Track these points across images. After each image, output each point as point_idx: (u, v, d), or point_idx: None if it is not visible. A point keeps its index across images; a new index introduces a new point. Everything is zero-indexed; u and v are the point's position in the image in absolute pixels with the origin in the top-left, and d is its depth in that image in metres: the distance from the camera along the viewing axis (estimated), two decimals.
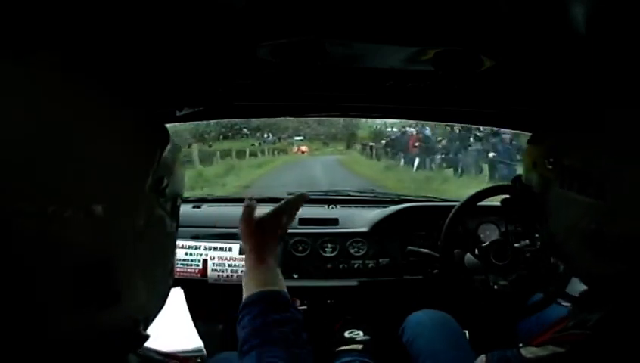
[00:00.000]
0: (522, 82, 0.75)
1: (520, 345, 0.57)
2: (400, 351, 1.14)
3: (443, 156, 8.52)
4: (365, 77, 0.76)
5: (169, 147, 0.41)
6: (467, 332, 1.30)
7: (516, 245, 1.10)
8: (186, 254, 1.30)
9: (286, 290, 0.65)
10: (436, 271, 1.34)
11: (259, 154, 13.16)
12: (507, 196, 0.89)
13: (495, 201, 1.25)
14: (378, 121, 9.86)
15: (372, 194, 1.79)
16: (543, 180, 0.57)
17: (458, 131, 7.93)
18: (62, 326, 0.33)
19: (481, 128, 6.05)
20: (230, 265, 1.29)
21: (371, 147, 12.43)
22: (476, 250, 1.15)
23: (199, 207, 1.55)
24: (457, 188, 6.09)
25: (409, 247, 1.38)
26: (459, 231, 1.21)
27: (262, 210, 0.71)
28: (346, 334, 1.25)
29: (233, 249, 1.30)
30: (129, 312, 0.37)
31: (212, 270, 1.29)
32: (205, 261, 1.29)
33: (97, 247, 0.32)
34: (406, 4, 0.47)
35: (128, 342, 0.38)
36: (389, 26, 0.53)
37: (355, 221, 1.48)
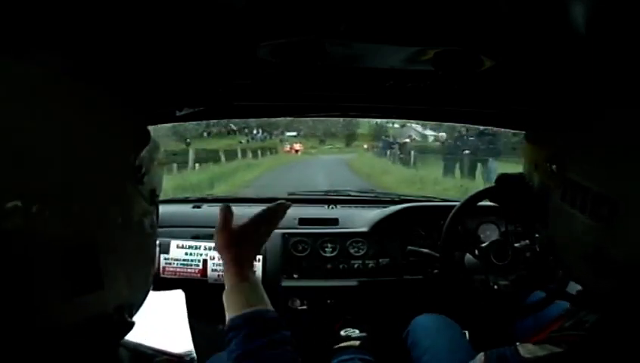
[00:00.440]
0: (522, 82, 0.75)
1: (518, 343, 0.57)
2: (398, 347, 1.14)
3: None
4: (365, 77, 0.76)
5: (149, 145, 0.43)
6: (467, 332, 1.30)
7: (516, 245, 1.10)
8: (186, 254, 1.29)
9: (271, 307, 0.61)
10: (436, 271, 1.35)
11: (239, 156, 10.69)
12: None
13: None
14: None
15: (372, 194, 1.80)
16: (544, 184, 0.57)
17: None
18: (49, 311, 0.34)
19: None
20: None
21: (401, 146, 10.48)
22: (476, 250, 1.15)
23: (199, 207, 1.55)
24: None
25: (409, 247, 1.38)
26: (459, 231, 1.21)
27: (242, 214, 0.68)
28: (342, 333, 1.25)
29: None
30: (112, 299, 0.38)
31: (212, 270, 1.29)
32: (205, 261, 1.29)
33: (79, 236, 0.34)
34: (406, 4, 0.47)
35: (114, 328, 0.39)
36: (389, 26, 0.53)
37: (355, 221, 1.48)
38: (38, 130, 0.33)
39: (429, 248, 1.34)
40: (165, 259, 1.27)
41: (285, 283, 1.36)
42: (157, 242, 0.47)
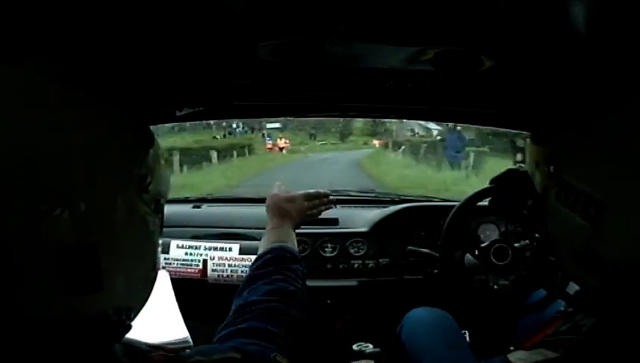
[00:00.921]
0: (522, 82, 0.75)
1: (512, 348, 0.57)
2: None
3: None
4: (365, 77, 0.76)
5: (153, 147, 0.43)
6: (466, 332, 1.30)
7: (516, 245, 1.10)
8: (186, 254, 1.29)
9: (296, 247, 0.76)
10: (436, 271, 1.34)
11: (203, 162, 8.04)
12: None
13: None
14: None
15: (372, 194, 1.79)
16: (543, 184, 0.57)
17: None
18: (49, 309, 0.35)
19: None
20: (230, 265, 1.29)
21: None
22: (476, 251, 1.15)
23: (199, 207, 1.55)
24: None
25: (409, 247, 1.38)
26: (459, 231, 1.21)
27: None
28: (355, 347, 1.23)
29: (233, 250, 1.30)
30: (112, 302, 0.39)
31: (212, 270, 1.29)
32: (205, 261, 1.29)
33: (81, 237, 0.35)
34: (406, 4, 0.47)
35: (112, 330, 0.40)
36: (389, 26, 0.53)
37: (355, 221, 1.48)
38: (46, 137, 0.34)
39: (429, 248, 1.34)
40: (165, 259, 1.26)
41: None
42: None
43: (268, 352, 0.50)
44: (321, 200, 0.88)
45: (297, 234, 1.38)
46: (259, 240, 0.80)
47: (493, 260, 1.10)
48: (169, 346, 0.70)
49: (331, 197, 0.91)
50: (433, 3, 0.46)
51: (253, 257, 0.75)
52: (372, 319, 1.35)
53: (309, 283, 1.35)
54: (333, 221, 1.47)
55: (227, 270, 1.29)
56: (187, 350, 0.87)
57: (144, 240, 0.43)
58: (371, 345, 1.24)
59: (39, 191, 0.33)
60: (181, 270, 1.28)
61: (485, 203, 1.09)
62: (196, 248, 1.30)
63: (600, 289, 0.51)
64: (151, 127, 0.50)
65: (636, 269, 0.45)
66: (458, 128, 7.24)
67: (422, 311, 1.16)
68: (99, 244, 0.36)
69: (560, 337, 0.53)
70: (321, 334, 1.32)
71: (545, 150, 0.58)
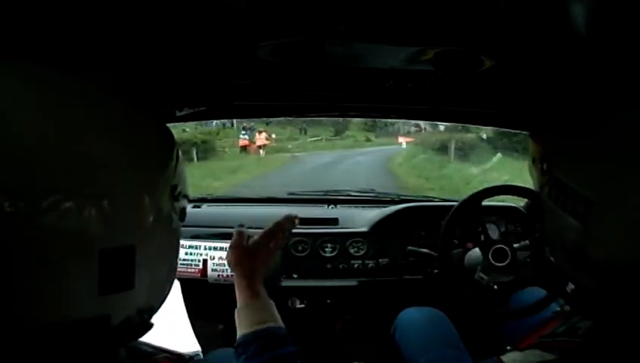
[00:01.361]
0: (522, 82, 0.75)
1: (508, 347, 0.57)
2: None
3: None
4: (365, 77, 0.76)
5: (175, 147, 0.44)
6: (466, 332, 1.30)
7: (516, 245, 1.10)
8: (186, 254, 1.30)
9: (281, 324, 0.64)
10: (435, 271, 1.34)
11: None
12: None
13: (494, 201, 1.25)
14: None
15: (372, 194, 1.79)
16: (539, 181, 0.58)
17: None
18: (81, 306, 0.36)
19: None
20: None
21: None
22: (477, 249, 1.15)
23: (199, 207, 1.55)
24: None
25: (409, 247, 1.38)
26: (458, 231, 1.21)
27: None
28: None
29: None
30: (136, 300, 0.40)
31: (212, 270, 1.29)
32: (205, 261, 1.29)
33: (114, 238, 0.36)
34: (406, 4, 0.47)
35: (134, 328, 0.41)
36: (389, 26, 0.53)
37: (355, 221, 1.48)
38: (76, 138, 0.36)
39: (429, 248, 1.34)
40: None
41: (285, 283, 1.36)
42: None
43: None
44: (282, 230, 0.74)
45: (297, 234, 1.40)
46: None
47: (492, 261, 1.10)
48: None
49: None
50: (432, 3, 0.46)
51: None
52: (372, 319, 1.35)
53: (309, 283, 1.37)
54: (333, 221, 1.47)
55: (227, 270, 1.29)
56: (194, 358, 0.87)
57: (169, 240, 0.44)
58: None
59: (88, 196, 0.34)
60: (182, 270, 1.28)
61: (485, 203, 1.09)
62: (196, 248, 1.30)
63: (593, 290, 0.51)
64: None
65: (625, 270, 0.46)
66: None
67: (414, 311, 1.16)
68: (135, 243, 0.37)
69: (556, 339, 0.53)
70: (321, 334, 1.32)
71: (540, 148, 0.59)
